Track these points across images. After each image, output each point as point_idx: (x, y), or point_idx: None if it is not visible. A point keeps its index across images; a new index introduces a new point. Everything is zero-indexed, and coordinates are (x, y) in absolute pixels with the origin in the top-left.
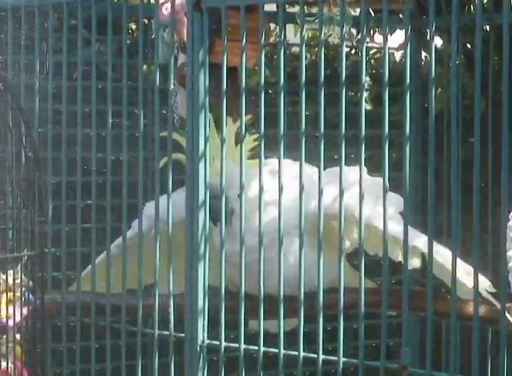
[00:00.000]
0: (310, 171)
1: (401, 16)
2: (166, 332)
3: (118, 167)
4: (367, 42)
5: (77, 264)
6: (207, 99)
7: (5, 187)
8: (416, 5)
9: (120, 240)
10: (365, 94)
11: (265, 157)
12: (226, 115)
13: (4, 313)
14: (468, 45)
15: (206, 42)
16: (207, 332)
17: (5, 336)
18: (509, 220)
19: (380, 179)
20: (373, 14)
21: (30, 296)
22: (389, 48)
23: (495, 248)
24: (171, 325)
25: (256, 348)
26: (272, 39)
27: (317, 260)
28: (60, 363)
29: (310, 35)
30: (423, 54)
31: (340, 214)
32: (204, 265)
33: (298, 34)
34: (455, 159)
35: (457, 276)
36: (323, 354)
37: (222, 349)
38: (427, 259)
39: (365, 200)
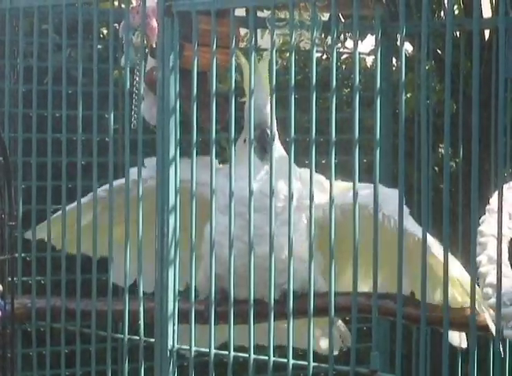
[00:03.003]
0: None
1: (371, 21)
2: (136, 337)
3: (89, 171)
4: (338, 48)
5: (48, 269)
6: (178, 104)
7: None
8: (386, 10)
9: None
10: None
11: None
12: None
13: None
14: (438, 51)
15: (176, 47)
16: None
17: None
18: (479, 225)
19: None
20: (342, 19)
21: (0, 301)
22: (360, 54)
23: (465, 252)
24: (141, 330)
25: (226, 352)
26: (242, 44)
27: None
28: (30, 368)
29: (281, 41)
30: (394, 60)
31: (310, 217)
32: (175, 269)
33: (266, 37)
34: (425, 163)
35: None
36: (293, 359)
37: (192, 354)
38: (397, 265)
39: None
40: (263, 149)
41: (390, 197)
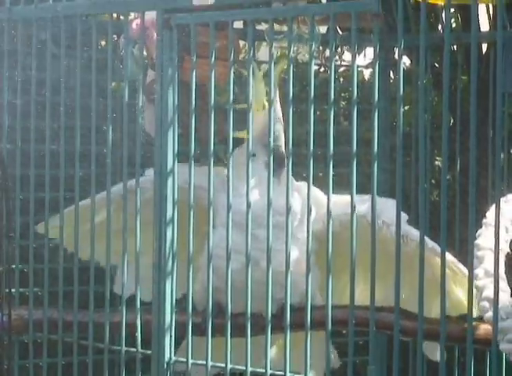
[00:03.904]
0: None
1: (369, 34)
2: (133, 349)
3: (87, 183)
4: (336, 60)
5: (45, 280)
6: (176, 117)
7: None
8: (384, 23)
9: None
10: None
11: None
12: (195, 133)
13: None
14: (436, 65)
15: (175, 59)
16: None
17: None
18: (475, 238)
19: None
20: (340, 32)
21: None
22: (358, 66)
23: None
24: (138, 342)
25: (223, 365)
26: (242, 56)
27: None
28: None
29: (279, 53)
30: (392, 73)
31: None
32: (172, 282)
33: (262, 50)
34: (422, 176)
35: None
36: (290, 372)
37: (189, 366)
38: (395, 279)
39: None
40: (279, 167)
41: (388, 206)
